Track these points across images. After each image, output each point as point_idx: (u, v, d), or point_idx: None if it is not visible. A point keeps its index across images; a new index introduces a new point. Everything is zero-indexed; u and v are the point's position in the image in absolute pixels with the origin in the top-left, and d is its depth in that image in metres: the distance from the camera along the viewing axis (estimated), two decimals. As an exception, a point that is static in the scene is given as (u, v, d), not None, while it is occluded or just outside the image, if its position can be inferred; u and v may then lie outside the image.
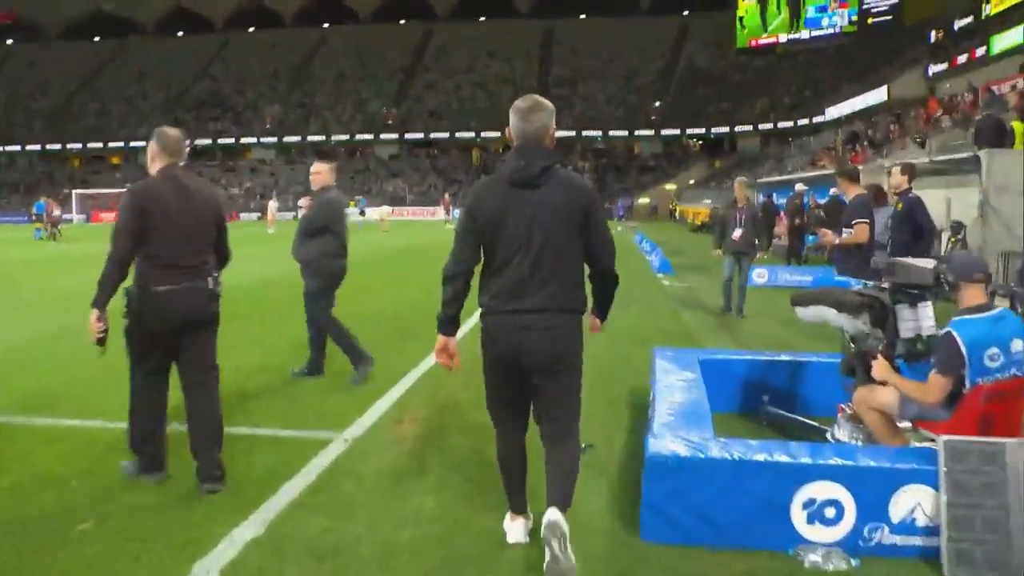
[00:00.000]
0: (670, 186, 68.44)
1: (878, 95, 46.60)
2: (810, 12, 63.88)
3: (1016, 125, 16.88)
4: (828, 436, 5.97)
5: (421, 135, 78.00)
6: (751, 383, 7.08)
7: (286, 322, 11.04)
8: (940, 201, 17.81)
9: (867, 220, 8.44)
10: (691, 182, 68.02)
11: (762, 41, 68.39)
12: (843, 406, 5.99)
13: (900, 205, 9.20)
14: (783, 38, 66.71)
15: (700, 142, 75.30)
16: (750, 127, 67.20)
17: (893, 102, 44.11)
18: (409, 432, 6.38)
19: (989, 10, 40.95)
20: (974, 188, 16.91)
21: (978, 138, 19.19)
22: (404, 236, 37.32)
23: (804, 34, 65.07)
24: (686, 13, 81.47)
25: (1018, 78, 28.87)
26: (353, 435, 6.20)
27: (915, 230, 9.13)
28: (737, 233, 11.75)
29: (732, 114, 69.45)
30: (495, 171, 4.07)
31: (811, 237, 13.59)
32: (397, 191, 72.70)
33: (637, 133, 73.77)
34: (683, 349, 7.64)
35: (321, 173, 7.85)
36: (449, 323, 4.00)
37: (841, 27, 62.42)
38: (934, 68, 43.06)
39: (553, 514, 3.84)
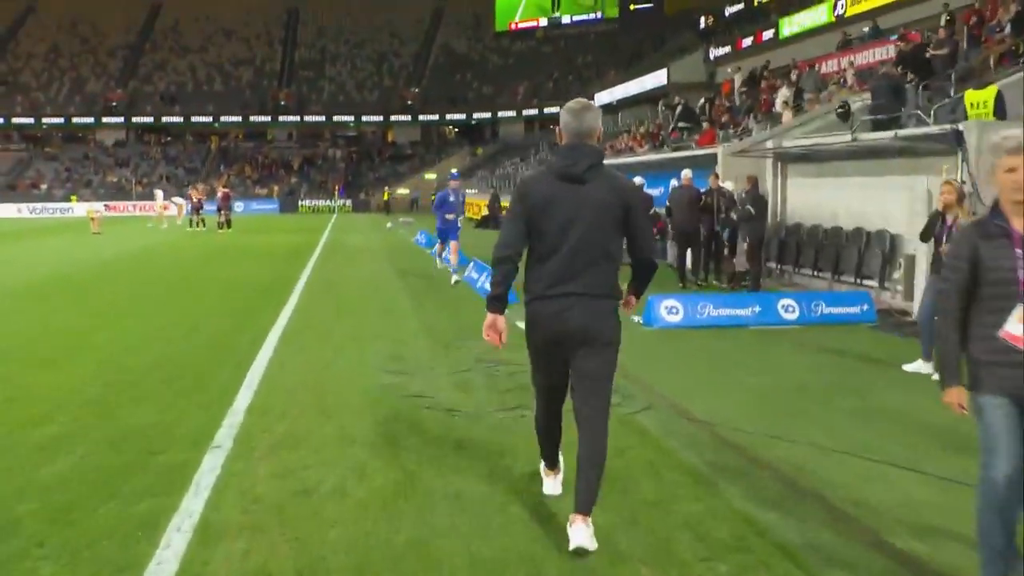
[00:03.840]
0: (431, 175, 62.07)
1: (656, 79, 42.73)
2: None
3: (971, 95, 11.54)
4: None
5: (151, 119, 66.19)
6: None
7: None
8: (917, 194, 12.10)
9: None
10: (453, 171, 61.70)
11: (522, 25, 63.12)
12: None
13: None
14: (543, 22, 61.80)
15: (456, 129, 69.57)
16: (513, 113, 62.11)
17: (672, 86, 40.28)
18: None
19: (761, -3, 38.90)
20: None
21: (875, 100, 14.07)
22: (120, 239, 27.88)
23: (565, 19, 60.44)
24: (441, -6, 74.79)
25: (841, 56, 24.93)
26: None
27: None
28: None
29: (493, 99, 64.04)
30: (543, 164, 5.32)
31: None
32: (123, 183, 60.92)
33: (393, 119, 66.78)
34: None
35: None
36: (498, 301, 4.13)
37: (603, 13, 58.30)
38: (715, 52, 39.55)
39: (577, 535, 3.91)
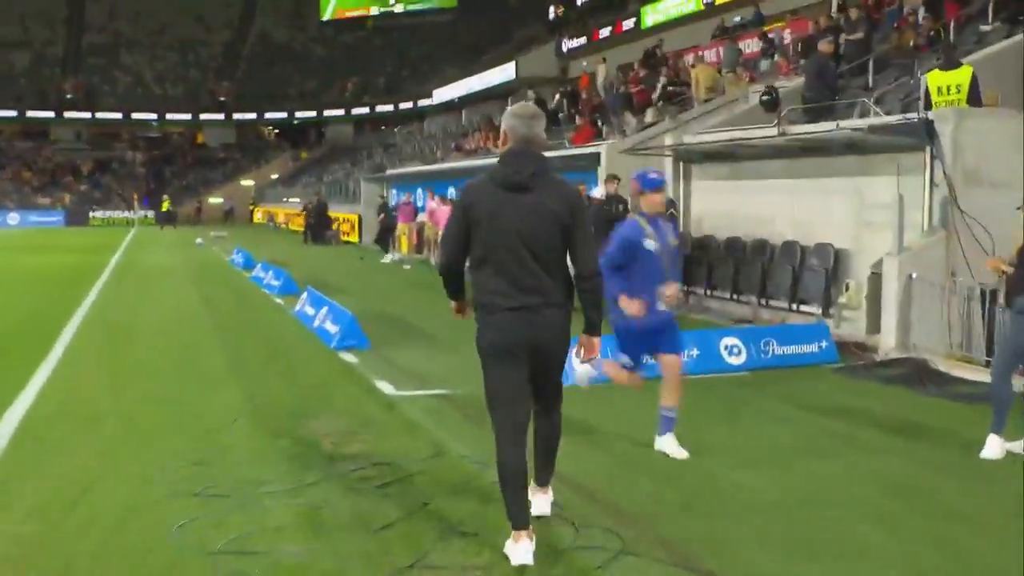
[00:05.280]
0: (248, 182, 58.39)
1: (503, 74, 41.49)
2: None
3: (937, 77, 10.02)
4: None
5: None
6: None
7: None
8: (871, 199, 10.49)
9: None
10: (273, 177, 58.75)
11: (349, 14, 60.03)
12: None
13: None
14: (374, 11, 58.99)
15: (276, 130, 66.05)
16: (341, 111, 59.25)
17: (522, 81, 39.08)
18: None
19: (618, -16, 38.34)
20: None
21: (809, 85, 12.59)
22: None
23: (399, 7, 57.90)
24: (256, -24, 70.73)
25: (719, 45, 23.91)
26: None
27: None
28: None
29: (318, 96, 60.88)
30: (486, 173, 4.23)
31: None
32: None
33: (203, 117, 62.59)
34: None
35: None
36: (457, 295, 4.41)
37: (440, 3, 56.21)
38: (569, 44, 38.39)
39: (539, 504, 4.60)
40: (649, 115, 18.50)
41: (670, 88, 19.30)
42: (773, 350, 9.12)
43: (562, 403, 4.49)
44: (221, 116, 62.20)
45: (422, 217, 23.54)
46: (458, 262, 4.25)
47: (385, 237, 24.65)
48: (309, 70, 63.43)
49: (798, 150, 11.52)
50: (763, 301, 11.90)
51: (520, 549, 4.13)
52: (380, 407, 7.29)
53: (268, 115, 62.58)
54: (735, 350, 9.02)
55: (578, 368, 5.80)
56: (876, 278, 9.71)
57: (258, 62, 65.03)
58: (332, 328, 10.31)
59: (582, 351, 4.40)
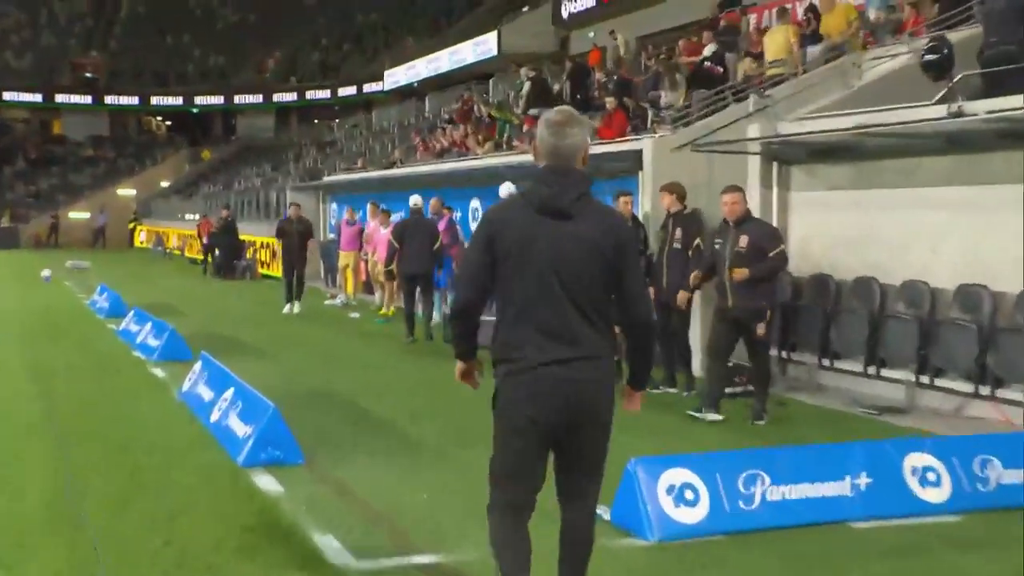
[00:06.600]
0: (127, 190, 57.93)
1: (481, 49, 41.53)
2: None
3: None
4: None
5: None
6: None
7: None
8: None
9: None
10: (164, 184, 58.47)
11: (269, -34, 60.57)
12: None
13: None
14: (303, -39, 59.42)
15: (167, 121, 65.50)
16: (258, 97, 59.56)
17: (507, 58, 39.05)
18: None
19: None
20: None
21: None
22: None
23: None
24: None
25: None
26: None
27: None
28: None
29: (227, 76, 61.08)
30: (518, 192, 4.77)
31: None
32: None
33: (60, 99, 62.14)
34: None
35: None
36: (468, 353, 4.63)
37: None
38: (571, 7, 37.65)
39: None
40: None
41: (707, 64, 18.10)
42: (997, 477, 7.18)
43: (598, 500, 4.59)
44: (88, 99, 61.86)
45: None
46: (477, 307, 4.45)
47: (291, 273, 19.99)
48: (214, 40, 63.36)
49: (990, 138, 9.98)
50: (925, 379, 10.42)
51: None
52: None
53: (156, 100, 62.31)
54: (931, 476, 7.07)
55: None
56: None
57: (141, 26, 64.72)
58: (241, 429, 8.32)
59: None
